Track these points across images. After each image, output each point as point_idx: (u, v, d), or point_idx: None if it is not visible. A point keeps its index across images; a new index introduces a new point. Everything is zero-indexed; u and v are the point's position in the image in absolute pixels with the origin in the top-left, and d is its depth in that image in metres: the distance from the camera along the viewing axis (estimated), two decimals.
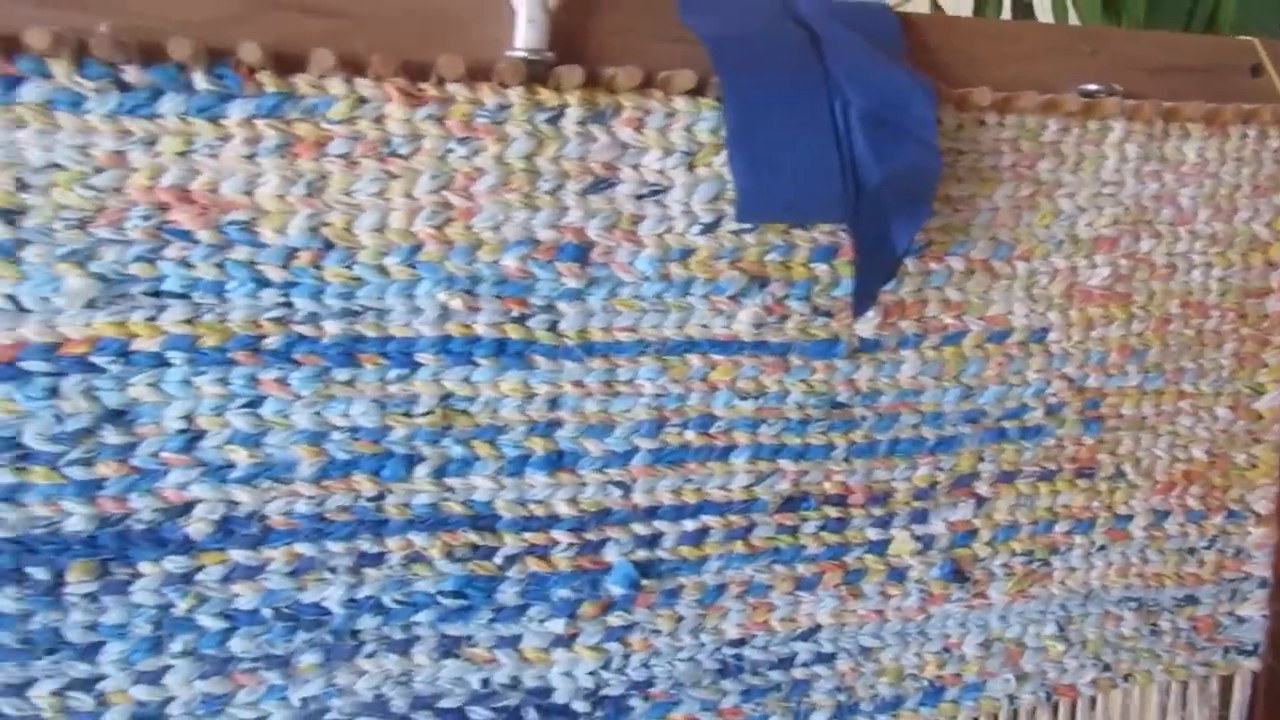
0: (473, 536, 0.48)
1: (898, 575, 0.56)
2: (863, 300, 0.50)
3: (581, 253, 0.47)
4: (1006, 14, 1.05)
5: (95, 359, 0.42)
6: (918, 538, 0.56)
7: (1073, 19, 0.99)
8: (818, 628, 0.55)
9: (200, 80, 0.41)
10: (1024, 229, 0.55)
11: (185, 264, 0.42)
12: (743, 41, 0.47)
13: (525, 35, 0.45)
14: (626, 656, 0.52)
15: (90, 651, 0.44)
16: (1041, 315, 0.56)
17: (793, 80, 0.47)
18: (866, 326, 0.52)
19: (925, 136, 0.48)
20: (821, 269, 0.51)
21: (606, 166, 0.47)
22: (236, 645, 0.46)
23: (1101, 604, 0.60)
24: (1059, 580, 0.59)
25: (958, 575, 0.57)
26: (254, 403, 0.44)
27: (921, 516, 0.55)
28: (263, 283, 0.43)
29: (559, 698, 0.51)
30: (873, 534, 0.55)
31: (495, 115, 0.45)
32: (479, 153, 0.45)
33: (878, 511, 0.55)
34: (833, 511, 0.54)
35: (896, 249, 0.50)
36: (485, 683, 0.49)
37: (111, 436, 0.43)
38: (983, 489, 0.56)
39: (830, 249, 0.51)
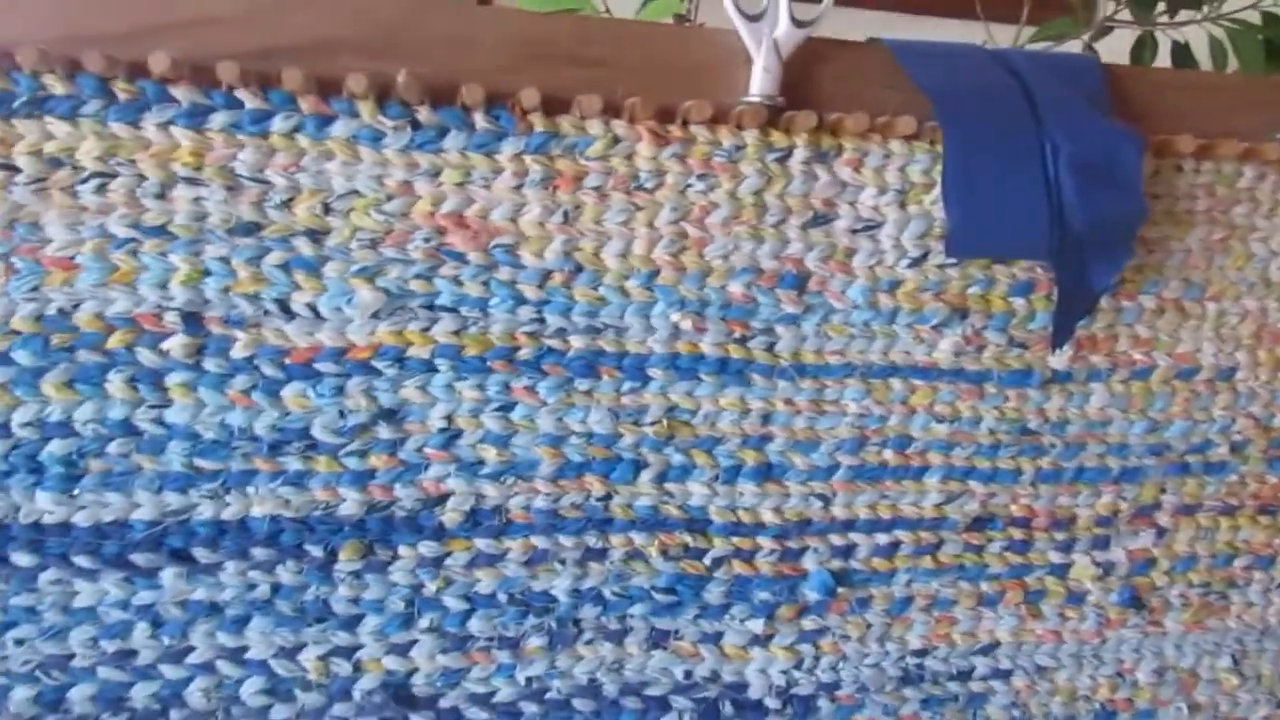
0: (686, 538, 0.52)
1: (1076, 599, 0.58)
2: (1061, 334, 0.53)
3: (800, 281, 0.51)
4: (1160, 62, 1.05)
5: (376, 363, 0.48)
6: (1098, 563, 0.58)
7: (1232, 65, 0.99)
8: (997, 644, 0.57)
9: (480, 120, 0.47)
10: (1215, 271, 0.56)
11: (456, 281, 0.48)
12: (962, 91, 0.50)
13: (760, 82, 0.49)
14: (817, 659, 0.55)
15: (352, 623, 0.49)
16: (1230, 355, 0.57)
17: (1007, 127, 0.50)
18: (1059, 359, 0.55)
19: (1131, 186, 0.50)
20: (1019, 303, 0.54)
21: (826, 203, 0.51)
22: (475, 625, 0.51)
23: (1278, 640, 0.61)
24: (1236, 614, 0.60)
25: (1135, 602, 0.58)
26: (506, 407, 0.49)
27: (1103, 543, 0.58)
28: (520, 300, 0.48)
29: (753, 693, 0.54)
30: (1054, 557, 0.57)
31: (731, 155, 0.49)
32: (714, 188, 0.49)
33: (1060, 536, 0.57)
34: (1017, 533, 0.56)
35: (1095, 288, 0.52)
36: (688, 674, 0.54)
37: (384, 432, 0.48)
38: (1164, 520, 0.58)
39: (1028, 284, 0.54)
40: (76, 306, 0.45)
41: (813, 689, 0.55)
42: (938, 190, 0.51)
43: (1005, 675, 0.58)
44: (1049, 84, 0.51)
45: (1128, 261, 0.53)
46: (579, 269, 0.49)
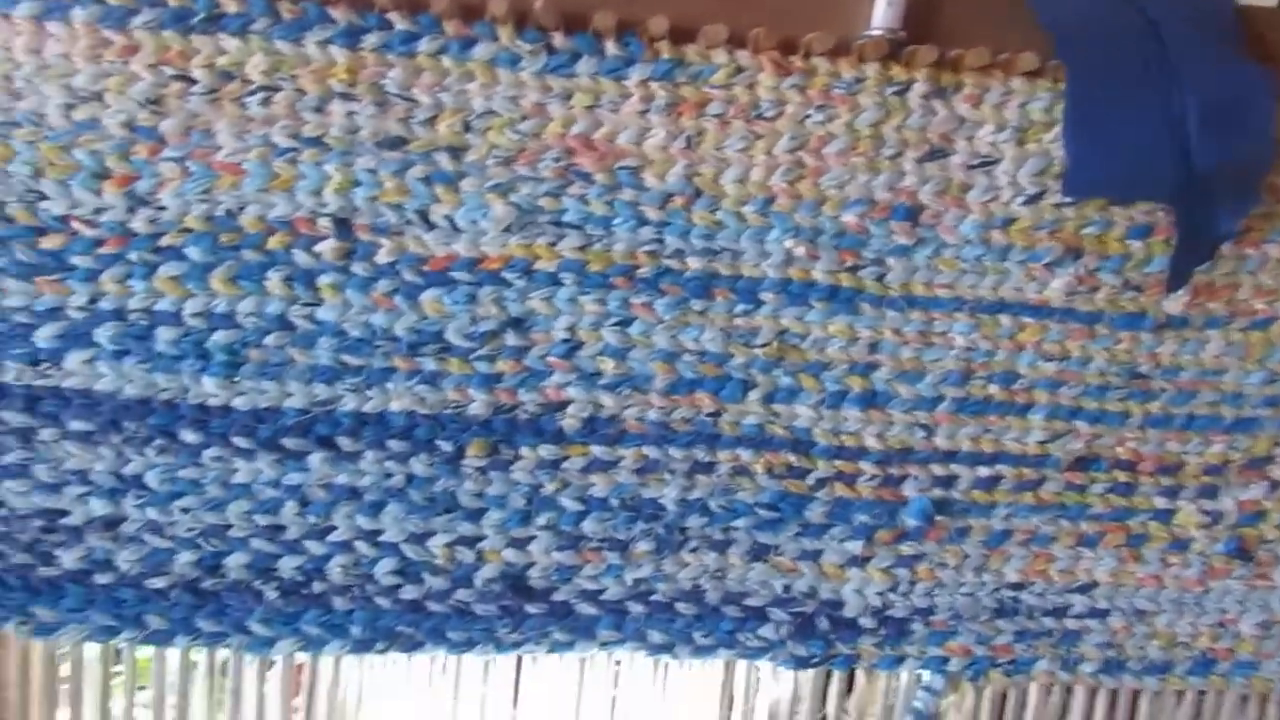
0: (791, 458, 0.54)
1: (1180, 545, 0.58)
2: (1178, 278, 0.53)
3: (913, 214, 0.52)
4: None
5: (506, 274, 0.51)
6: (1205, 512, 0.58)
7: None
8: (1094, 584, 0.58)
9: (611, 47, 0.49)
10: None
11: (583, 200, 0.51)
12: (1087, 29, 0.50)
13: (883, 15, 0.50)
14: (913, 584, 0.57)
15: (476, 516, 0.53)
16: None
17: (1132, 66, 0.50)
18: (1174, 304, 0.55)
19: (1261, 129, 0.50)
20: (1136, 246, 0.54)
21: (943, 138, 0.52)
22: (588, 527, 0.54)
23: None
24: None
25: (1242, 553, 0.58)
26: (624, 322, 0.52)
27: (1210, 492, 0.58)
28: (642, 221, 0.51)
29: (849, 611, 0.57)
30: (1159, 502, 0.57)
31: (850, 87, 0.51)
32: (833, 119, 0.51)
33: (1166, 482, 0.57)
34: (1122, 476, 0.57)
35: (1218, 233, 0.52)
36: (787, 589, 0.56)
37: (511, 339, 0.52)
38: (1277, 473, 0.58)
39: (1146, 228, 0.54)
40: (242, 209, 0.49)
41: (907, 612, 0.57)
42: (1057, 129, 0.51)
43: (1102, 615, 0.59)
44: (1179, 24, 0.51)
45: (1254, 208, 0.53)
46: (698, 193, 0.51)
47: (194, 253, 0.49)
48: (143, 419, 0.50)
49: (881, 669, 0.58)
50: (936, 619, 0.57)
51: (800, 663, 0.57)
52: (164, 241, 0.49)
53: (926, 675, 0.59)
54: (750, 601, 0.56)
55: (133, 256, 0.49)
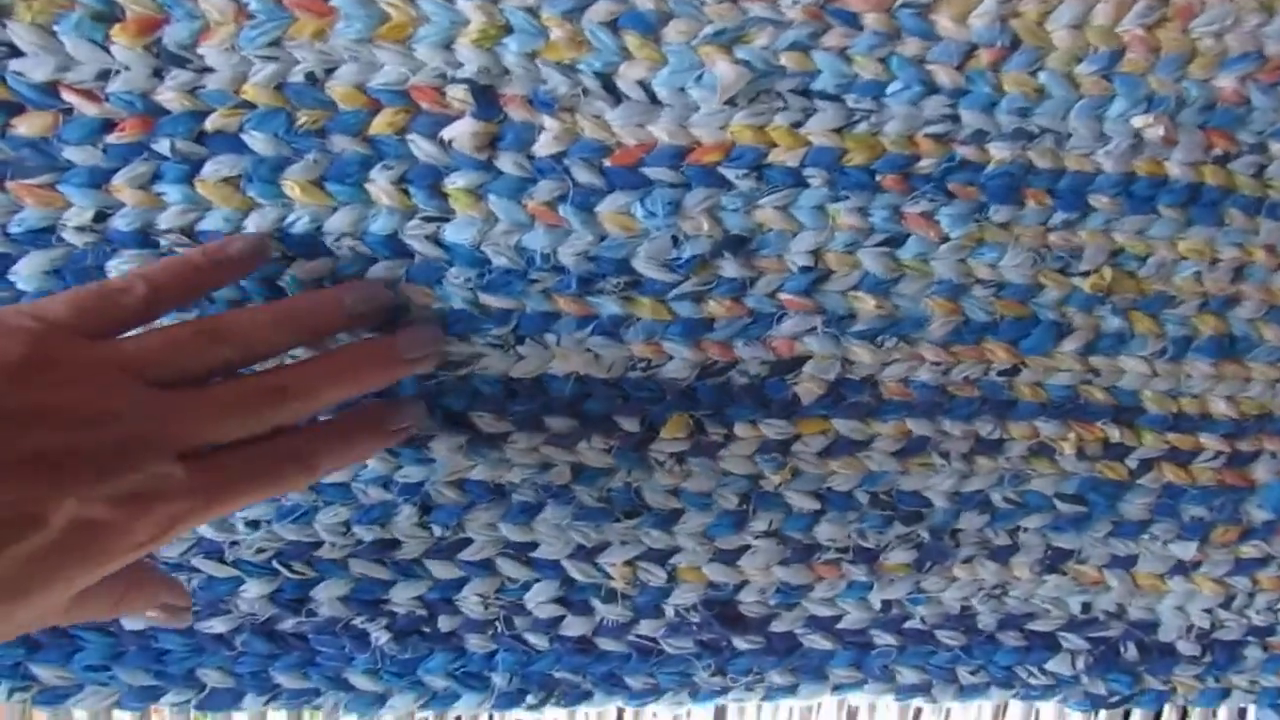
0: (1111, 431, 0.38)
1: None
2: None
3: None
4: None
5: (726, 171, 0.34)
6: None
7: None
8: None
9: None
10: None
11: (844, 56, 0.34)
12: None
13: None
14: (1252, 596, 0.42)
15: (668, 520, 0.37)
16: None
17: None
18: None
19: None
20: None
21: None
22: (824, 532, 0.38)
23: None
24: None
25: None
26: (893, 241, 0.35)
27: None
28: (929, 88, 0.34)
29: (1164, 634, 0.41)
30: None
31: None
32: None
33: None
34: None
35: None
36: (1086, 607, 0.41)
37: (729, 269, 0.35)
38: None
39: None
40: (330, 72, 0.32)
41: (1241, 633, 0.42)
42: None
43: None
44: None
45: None
46: (1015, 44, 0.34)
47: (258, 141, 0.32)
48: None
49: (1198, 706, 0.43)
50: (1278, 641, 0.42)
51: (1096, 703, 0.42)
52: (210, 124, 0.32)
53: (1252, 711, 0.44)
54: (1036, 625, 0.41)
55: (162, 147, 0.31)
